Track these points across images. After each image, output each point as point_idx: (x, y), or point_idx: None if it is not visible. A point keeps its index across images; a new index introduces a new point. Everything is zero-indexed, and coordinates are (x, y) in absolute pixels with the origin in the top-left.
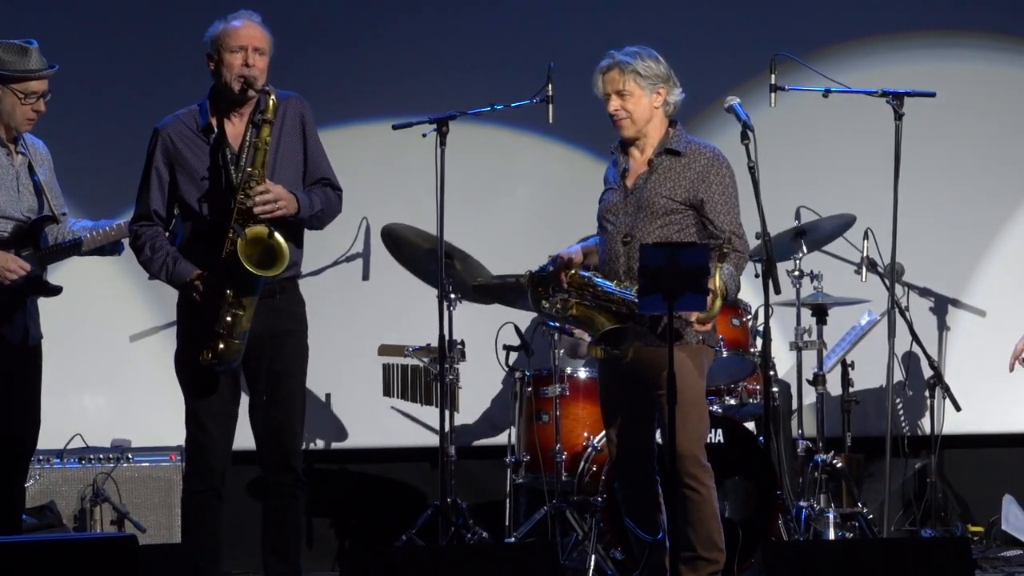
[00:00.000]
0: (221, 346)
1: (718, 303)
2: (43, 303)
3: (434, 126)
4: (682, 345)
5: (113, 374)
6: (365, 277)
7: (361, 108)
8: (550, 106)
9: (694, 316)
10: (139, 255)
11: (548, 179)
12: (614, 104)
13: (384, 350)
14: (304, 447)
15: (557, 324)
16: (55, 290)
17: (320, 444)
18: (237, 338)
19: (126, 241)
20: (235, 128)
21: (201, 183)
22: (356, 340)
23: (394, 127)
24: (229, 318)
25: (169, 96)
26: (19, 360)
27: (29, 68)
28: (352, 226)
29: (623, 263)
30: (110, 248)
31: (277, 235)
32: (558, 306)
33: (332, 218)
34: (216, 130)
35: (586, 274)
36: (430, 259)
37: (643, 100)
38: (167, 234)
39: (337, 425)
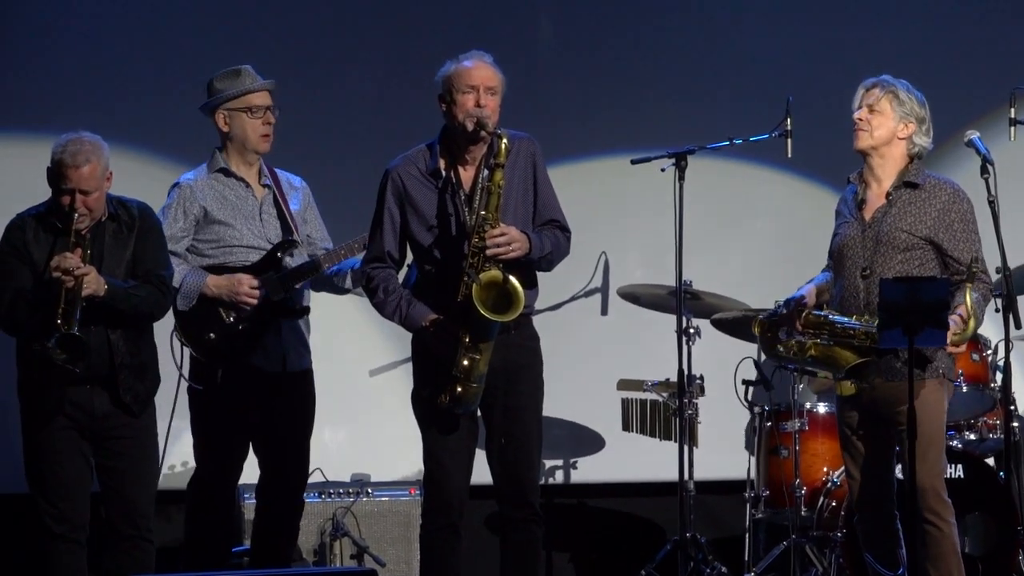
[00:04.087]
0: (459, 390)
1: (972, 324)
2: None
3: (672, 160)
4: (924, 378)
5: (353, 408)
6: (604, 312)
7: (600, 143)
8: (789, 140)
9: (948, 337)
10: (372, 297)
11: (787, 213)
12: (861, 114)
13: (623, 384)
14: (543, 481)
15: (795, 367)
16: (303, 311)
17: (559, 478)
18: (475, 382)
19: (350, 283)
20: (466, 171)
21: (431, 224)
22: (595, 374)
23: (633, 162)
24: (466, 362)
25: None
26: (280, 388)
27: (244, 86)
28: (591, 261)
29: (863, 297)
30: (339, 286)
31: (512, 279)
32: (795, 349)
33: (560, 260)
34: (444, 173)
35: (821, 312)
36: (670, 299)
37: (889, 123)
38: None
39: (576, 459)
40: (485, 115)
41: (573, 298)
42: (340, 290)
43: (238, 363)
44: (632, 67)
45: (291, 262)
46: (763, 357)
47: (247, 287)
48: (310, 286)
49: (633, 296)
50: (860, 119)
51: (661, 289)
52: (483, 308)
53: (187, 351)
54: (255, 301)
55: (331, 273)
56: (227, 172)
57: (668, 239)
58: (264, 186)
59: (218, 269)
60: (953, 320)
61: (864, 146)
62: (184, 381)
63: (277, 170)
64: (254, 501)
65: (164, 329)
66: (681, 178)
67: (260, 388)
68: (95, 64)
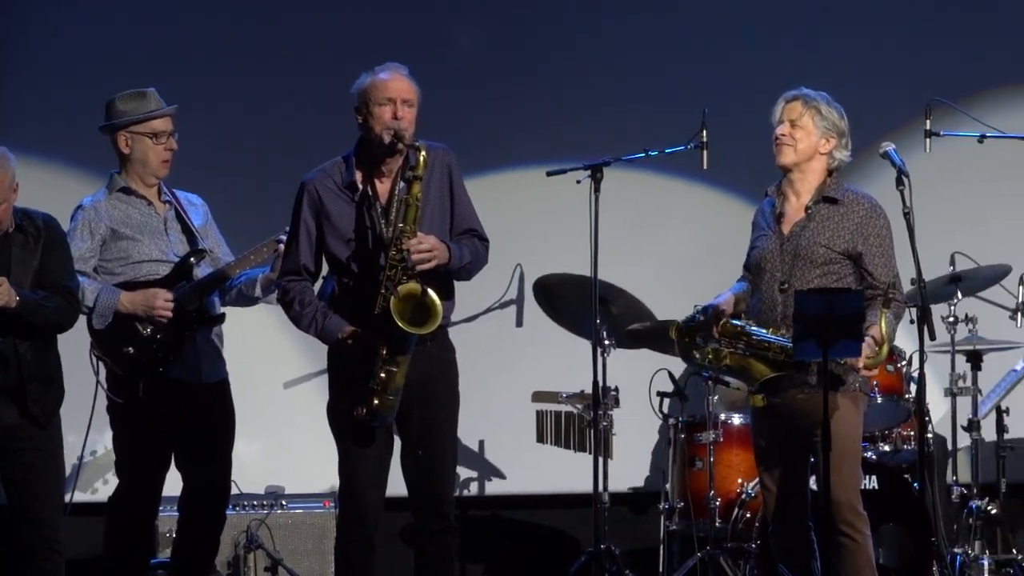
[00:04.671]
0: (376, 402)
1: (885, 348)
2: None
3: (588, 172)
4: (841, 391)
5: (268, 420)
6: (519, 324)
7: (515, 154)
8: (704, 152)
9: (861, 362)
10: (288, 310)
11: (702, 225)
12: (783, 130)
13: (538, 396)
14: (457, 493)
15: (710, 374)
16: (218, 319)
17: (474, 490)
18: (391, 394)
19: (259, 291)
20: (383, 183)
21: (348, 237)
22: (510, 386)
23: (548, 174)
24: (383, 374)
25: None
26: (199, 400)
27: (149, 109)
28: (506, 273)
29: (780, 311)
30: (249, 295)
31: (431, 292)
32: (710, 356)
33: (479, 269)
34: (361, 186)
35: (739, 323)
36: (584, 308)
37: (812, 138)
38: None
39: (490, 471)
40: (402, 127)
41: (488, 310)
42: (250, 300)
43: (157, 375)
44: (547, 79)
45: (200, 272)
46: (678, 370)
47: (162, 300)
48: (222, 301)
49: (546, 291)
50: (783, 134)
51: (575, 302)
52: (401, 321)
53: (104, 367)
54: (170, 313)
55: (240, 281)
56: (128, 191)
57: (583, 251)
58: (165, 202)
59: (129, 285)
60: (866, 343)
61: (787, 162)
62: (104, 393)
63: (175, 190)
64: (170, 514)
65: (71, 341)
66: (597, 190)
67: (180, 400)
68: (1, 77)
